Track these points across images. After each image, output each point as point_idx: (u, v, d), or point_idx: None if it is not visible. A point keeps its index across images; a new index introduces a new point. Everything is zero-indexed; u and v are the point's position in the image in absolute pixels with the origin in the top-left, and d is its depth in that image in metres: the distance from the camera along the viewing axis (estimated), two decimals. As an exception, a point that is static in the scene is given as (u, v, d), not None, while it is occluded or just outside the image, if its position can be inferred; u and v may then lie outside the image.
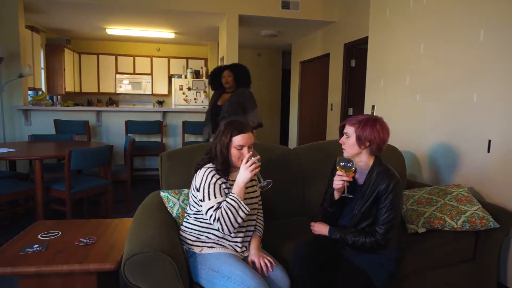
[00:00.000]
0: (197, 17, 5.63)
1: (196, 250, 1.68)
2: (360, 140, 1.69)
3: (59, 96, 6.97)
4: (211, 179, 1.65)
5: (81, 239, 1.89)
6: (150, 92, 8.42)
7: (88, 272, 1.68)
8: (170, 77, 8.42)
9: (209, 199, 1.63)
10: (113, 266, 1.66)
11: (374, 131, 1.68)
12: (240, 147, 1.66)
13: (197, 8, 5.22)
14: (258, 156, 1.63)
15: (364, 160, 1.74)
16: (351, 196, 1.75)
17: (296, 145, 6.64)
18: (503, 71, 2.31)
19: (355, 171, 1.73)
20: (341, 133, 1.80)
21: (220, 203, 1.62)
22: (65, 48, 7.08)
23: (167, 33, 7.03)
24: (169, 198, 1.96)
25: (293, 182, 2.39)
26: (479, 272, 2.21)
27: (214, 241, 1.69)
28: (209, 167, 1.69)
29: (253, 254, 1.71)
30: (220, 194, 1.65)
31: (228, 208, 1.58)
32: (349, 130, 1.73)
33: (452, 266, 2.16)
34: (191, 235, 1.73)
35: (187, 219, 1.79)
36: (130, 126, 5.22)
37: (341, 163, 1.70)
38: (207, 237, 1.69)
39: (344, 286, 1.66)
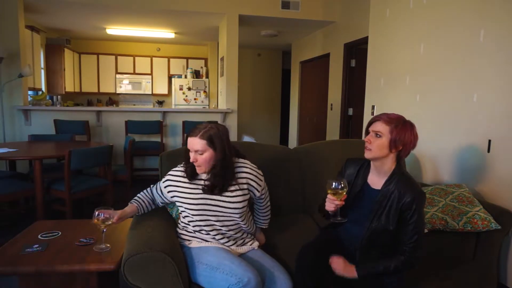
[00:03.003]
0: (197, 17, 5.63)
1: (186, 243, 1.72)
2: (395, 143, 1.52)
3: (59, 96, 6.97)
4: (167, 177, 1.77)
5: (81, 239, 1.89)
6: (150, 92, 8.42)
7: (88, 272, 1.68)
8: (170, 77, 8.43)
9: (162, 182, 1.78)
10: (113, 266, 1.66)
11: (412, 134, 1.54)
12: (190, 150, 1.64)
13: (197, 8, 5.22)
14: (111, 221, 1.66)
15: (388, 164, 1.59)
16: (345, 220, 1.64)
17: (296, 145, 6.64)
18: (503, 71, 2.31)
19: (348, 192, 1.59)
20: (367, 131, 1.61)
21: (144, 192, 1.84)
22: (65, 48, 7.09)
23: (167, 33, 7.03)
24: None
25: (293, 182, 2.39)
26: (479, 272, 2.21)
27: (202, 239, 1.71)
28: (181, 167, 1.76)
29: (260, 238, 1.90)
30: (155, 188, 1.81)
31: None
32: (383, 129, 1.53)
33: (453, 266, 2.16)
34: (182, 230, 1.77)
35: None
36: (130, 126, 5.22)
37: (332, 186, 1.54)
38: (194, 231, 1.72)
39: None
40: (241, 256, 1.71)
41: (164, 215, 1.89)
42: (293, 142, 7.70)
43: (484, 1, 2.45)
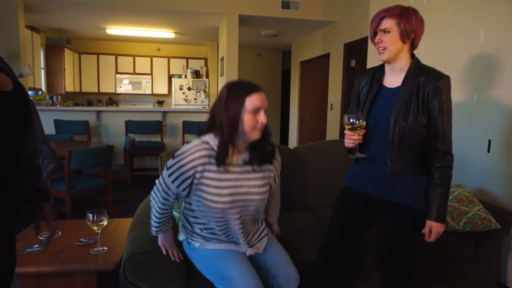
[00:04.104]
0: (197, 17, 5.63)
1: (196, 244, 1.55)
2: (406, 33, 1.47)
3: (59, 96, 6.96)
4: (189, 163, 1.37)
5: (81, 239, 1.90)
6: (150, 92, 8.42)
7: (88, 272, 1.68)
8: (170, 77, 8.43)
9: (167, 174, 1.41)
10: (113, 266, 1.67)
11: (418, 20, 1.50)
12: (256, 111, 1.38)
13: (197, 8, 5.22)
14: None
15: (403, 59, 1.53)
16: (364, 155, 1.54)
17: (296, 145, 6.64)
18: (503, 71, 2.31)
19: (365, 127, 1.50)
20: (374, 32, 1.52)
21: (161, 190, 1.45)
22: (65, 48, 7.09)
23: (167, 33, 7.03)
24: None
25: (293, 182, 2.39)
26: (479, 272, 2.21)
27: (212, 238, 1.55)
28: (204, 148, 1.39)
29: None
30: (173, 182, 1.39)
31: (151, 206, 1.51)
32: (390, 24, 1.47)
33: (453, 266, 2.16)
34: (191, 226, 1.57)
35: (189, 208, 1.57)
36: (130, 126, 5.22)
37: (348, 121, 1.47)
38: (205, 230, 1.54)
39: (391, 236, 1.55)
40: (257, 255, 1.59)
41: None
42: (293, 142, 7.70)
43: (484, 1, 2.45)
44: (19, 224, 2.24)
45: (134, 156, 5.22)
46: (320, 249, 1.72)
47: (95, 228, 1.72)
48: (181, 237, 1.63)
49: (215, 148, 1.40)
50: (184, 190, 1.43)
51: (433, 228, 1.51)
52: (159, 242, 1.57)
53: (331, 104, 5.80)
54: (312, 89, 6.84)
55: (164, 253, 1.54)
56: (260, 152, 1.47)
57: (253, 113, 1.37)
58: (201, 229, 1.54)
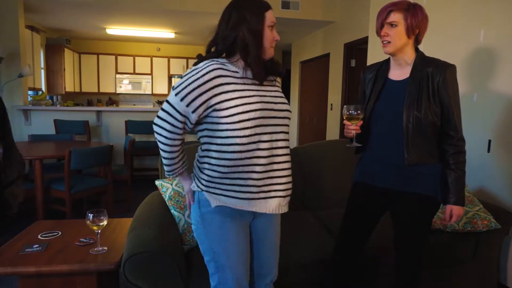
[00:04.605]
0: (197, 17, 5.63)
1: (212, 200, 1.31)
2: (412, 28, 1.49)
3: (59, 96, 6.97)
4: (207, 74, 1.27)
5: (81, 239, 1.90)
6: (150, 92, 8.42)
7: (88, 272, 1.68)
8: (170, 77, 8.43)
9: (175, 93, 1.26)
10: (113, 266, 1.67)
11: (424, 16, 1.51)
12: (272, 26, 1.33)
13: (197, 8, 5.22)
14: None
15: (408, 53, 1.55)
16: (360, 145, 1.60)
17: (296, 145, 6.64)
18: (503, 71, 2.31)
19: (363, 119, 1.56)
20: (381, 25, 1.54)
21: (166, 116, 1.24)
22: (65, 48, 7.08)
23: (167, 33, 7.03)
24: (163, 185, 1.98)
25: (293, 181, 2.38)
26: (479, 272, 2.21)
27: (238, 190, 1.30)
28: (216, 62, 1.32)
29: None
30: (183, 99, 1.23)
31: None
32: (397, 17, 1.49)
33: (452, 266, 2.16)
34: (211, 172, 1.31)
35: (208, 148, 1.33)
36: (130, 126, 5.22)
37: (347, 112, 1.53)
38: (231, 182, 1.30)
39: (412, 227, 1.57)
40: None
41: (164, 214, 1.88)
42: (293, 142, 7.70)
43: (484, 1, 2.45)
44: (19, 224, 2.24)
45: (134, 156, 5.22)
46: (335, 249, 1.75)
47: (95, 228, 1.72)
48: (195, 187, 1.38)
49: (226, 63, 1.31)
50: (195, 110, 1.24)
51: (454, 211, 1.53)
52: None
53: (331, 104, 5.80)
54: (312, 89, 6.84)
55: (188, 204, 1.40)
56: (271, 65, 1.41)
57: (270, 29, 1.33)
58: (223, 173, 1.30)
